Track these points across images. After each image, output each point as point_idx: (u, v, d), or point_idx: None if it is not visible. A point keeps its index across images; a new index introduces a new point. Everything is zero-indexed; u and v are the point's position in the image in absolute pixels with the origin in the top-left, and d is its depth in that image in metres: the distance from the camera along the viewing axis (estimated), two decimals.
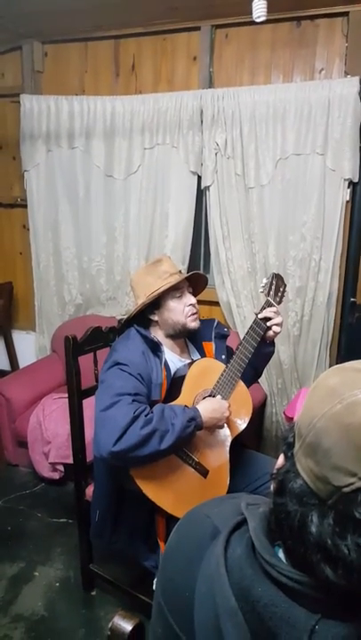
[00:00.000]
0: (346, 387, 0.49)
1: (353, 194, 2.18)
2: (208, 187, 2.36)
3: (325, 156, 2.13)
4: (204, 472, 1.40)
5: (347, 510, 0.46)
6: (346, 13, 2.09)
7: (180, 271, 1.54)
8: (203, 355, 1.58)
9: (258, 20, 1.56)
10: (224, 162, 2.31)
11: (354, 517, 0.45)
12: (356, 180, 2.13)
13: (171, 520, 1.35)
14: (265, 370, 2.35)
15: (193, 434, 1.31)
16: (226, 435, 1.45)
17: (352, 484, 0.45)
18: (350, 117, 2.05)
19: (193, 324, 1.50)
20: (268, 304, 1.50)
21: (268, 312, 1.48)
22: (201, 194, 2.44)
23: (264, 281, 1.54)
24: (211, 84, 2.37)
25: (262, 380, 2.41)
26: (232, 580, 0.54)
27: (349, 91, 2.04)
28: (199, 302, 1.58)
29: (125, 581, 1.65)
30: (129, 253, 2.63)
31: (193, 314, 1.50)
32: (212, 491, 1.38)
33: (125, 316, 1.56)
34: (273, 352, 1.60)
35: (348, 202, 2.19)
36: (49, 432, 2.27)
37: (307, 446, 0.50)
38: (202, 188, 2.39)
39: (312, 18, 2.16)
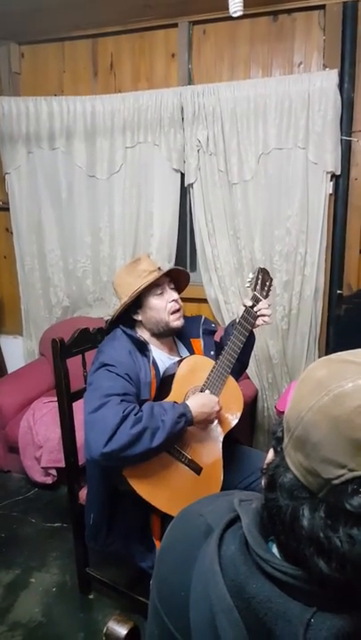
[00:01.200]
0: (333, 378, 0.49)
1: (336, 187, 2.19)
2: (192, 184, 2.35)
3: (307, 150, 2.13)
4: (197, 469, 1.39)
5: (337, 502, 0.46)
6: (322, 6, 2.09)
7: (159, 268, 1.53)
8: (192, 352, 1.57)
9: (235, 15, 1.55)
10: (207, 158, 2.30)
11: (345, 509, 0.45)
12: (338, 172, 2.14)
13: (166, 519, 1.34)
14: (255, 365, 2.38)
15: (184, 430, 1.31)
16: (218, 431, 1.45)
17: (342, 475, 0.45)
18: (330, 110, 2.06)
19: (176, 322, 1.49)
20: (256, 299, 1.50)
21: (262, 310, 1.48)
22: (185, 191, 2.43)
23: (250, 276, 1.54)
24: (190, 81, 2.36)
25: (253, 374, 2.42)
26: (226, 577, 0.54)
27: (329, 83, 2.04)
28: (187, 300, 1.58)
29: (123, 583, 1.64)
30: (115, 253, 2.61)
31: (176, 310, 1.49)
32: (206, 487, 1.38)
33: (110, 317, 1.55)
34: (255, 340, 1.60)
35: (331, 195, 2.20)
36: (40, 436, 2.25)
37: (296, 440, 0.50)
38: (185, 185, 2.38)
39: (289, 12, 2.16)
